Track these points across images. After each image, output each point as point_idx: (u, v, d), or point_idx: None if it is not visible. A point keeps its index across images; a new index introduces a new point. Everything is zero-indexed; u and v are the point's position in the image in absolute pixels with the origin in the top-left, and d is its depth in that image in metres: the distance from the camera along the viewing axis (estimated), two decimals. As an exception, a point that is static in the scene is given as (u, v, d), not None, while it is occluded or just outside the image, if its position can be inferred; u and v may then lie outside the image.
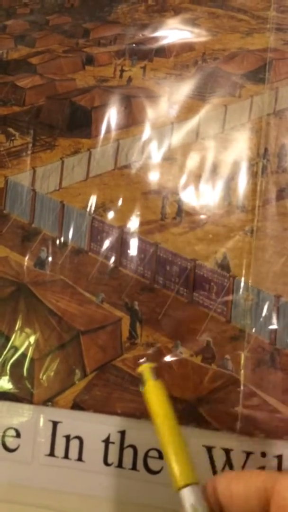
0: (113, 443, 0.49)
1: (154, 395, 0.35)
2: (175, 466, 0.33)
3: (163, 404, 0.35)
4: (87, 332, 0.52)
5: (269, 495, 0.27)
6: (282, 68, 0.54)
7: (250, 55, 0.55)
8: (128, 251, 0.53)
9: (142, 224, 0.53)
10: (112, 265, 0.53)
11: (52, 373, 0.51)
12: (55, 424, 0.51)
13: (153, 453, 0.49)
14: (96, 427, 0.50)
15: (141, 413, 0.49)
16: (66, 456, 0.50)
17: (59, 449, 0.50)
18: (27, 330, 0.52)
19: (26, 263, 0.54)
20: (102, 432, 0.50)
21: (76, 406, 0.50)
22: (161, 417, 0.34)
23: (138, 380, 0.49)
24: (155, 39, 0.58)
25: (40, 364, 0.51)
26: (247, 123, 0.53)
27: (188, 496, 0.31)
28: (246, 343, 0.48)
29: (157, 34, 0.58)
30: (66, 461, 0.50)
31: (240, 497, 0.28)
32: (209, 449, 0.48)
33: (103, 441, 0.50)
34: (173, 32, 0.58)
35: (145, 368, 0.36)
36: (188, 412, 0.48)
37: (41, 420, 0.51)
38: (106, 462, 0.49)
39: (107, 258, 0.53)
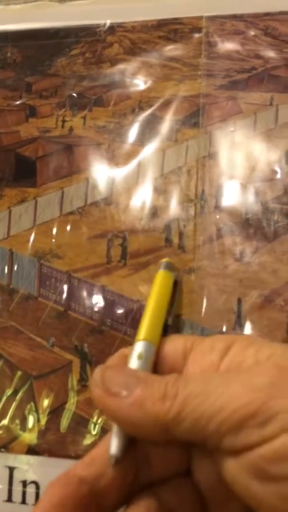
0: (68, 486, 0.46)
1: (158, 280, 0.33)
2: (143, 324, 0.31)
3: (161, 288, 0.33)
4: (39, 376, 0.48)
5: (188, 352, 0.29)
6: (214, 112, 0.52)
7: (184, 101, 0.53)
8: (76, 295, 0.50)
9: (88, 268, 0.50)
10: (61, 309, 0.50)
11: (6, 419, 0.48)
12: (11, 469, 0.47)
13: (108, 495, 0.45)
14: (51, 471, 0.46)
15: (95, 455, 0.46)
16: (23, 501, 0.47)
17: (17, 495, 0.47)
18: (-19, 377, 0.49)
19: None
20: (57, 476, 0.46)
21: (31, 451, 0.47)
22: (153, 296, 0.32)
23: (87, 422, 0.46)
24: (94, 89, 0.56)
25: (-5, 411, 0.48)
26: (184, 166, 0.51)
27: (139, 346, 0.30)
28: (192, 381, 0.45)
29: (95, 84, 0.56)
30: (24, 506, 0.47)
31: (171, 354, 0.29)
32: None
33: (59, 484, 0.46)
34: (110, 82, 0.56)
35: (163, 261, 0.35)
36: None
37: (-2, 466, 0.47)
38: (62, 506, 0.46)
39: (56, 302, 0.50)
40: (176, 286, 0.36)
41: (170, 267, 0.36)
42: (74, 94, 0.56)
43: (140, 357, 0.29)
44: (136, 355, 0.29)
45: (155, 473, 0.27)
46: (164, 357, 0.29)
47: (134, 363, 0.29)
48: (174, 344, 0.29)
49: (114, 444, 0.26)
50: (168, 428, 0.25)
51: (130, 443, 0.27)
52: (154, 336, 0.30)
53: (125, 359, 0.30)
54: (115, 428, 0.27)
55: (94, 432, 0.46)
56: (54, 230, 0.52)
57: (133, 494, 0.27)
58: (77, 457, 0.46)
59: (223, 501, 0.27)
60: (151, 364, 0.29)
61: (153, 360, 0.29)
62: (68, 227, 0.52)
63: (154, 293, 0.33)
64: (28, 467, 0.47)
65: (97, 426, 0.46)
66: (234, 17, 0.55)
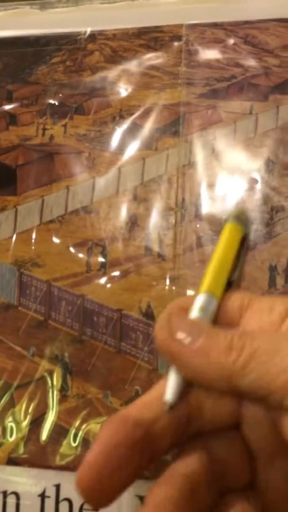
0: (48, 497, 0.45)
1: (224, 234, 0.32)
2: (207, 276, 0.30)
3: (228, 241, 0.32)
4: (20, 386, 0.48)
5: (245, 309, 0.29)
6: (194, 120, 0.51)
7: (164, 110, 0.52)
8: (57, 304, 0.49)
9: (68, 277, 0.49)
10: (41, 319, 0.49)
11: (-14, 430, 0.47)
12: (-9, 480, 0.46)
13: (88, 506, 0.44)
14: (32, 482, 0.46)
15: (75, 465, 0.45)
16: (4, 512, 0.46)
17: (-3, 506, 0.46)
18: None
19: None
20: (38, 486, 0.46)
21: (11, 461, 0.46)
22: (219, 249, 0.31)
23: (68, 432, 0.45)
24: (74, 97, 0.55)
25: (-25, 421, 0.47)
26: (164, 175, 0.50)
27: (202, 299, 0.29)
28: (172, 391, 0.45)
29: (76, 92, 0.55)
30: (4, 517, 0.46)
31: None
32: (142, 499, 0.44)
33: (39, 495, 0.45)
34: (91, 90, 0.55)
35: (233, 213, 0.33)
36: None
37: (-22, 477, 0.46)
38: (43, 517, 0.45)
39: (37, 311, 0.49)
40: (245, 241, 0.34)
41: (240, 219, 0.34)
42: (55, 102, 0.55)
43: (202, 310, 0.28)
44: (198, 307, 0.29)
45: (206, 423, 0.28)
46: (221, 312, 0.29)
47: (196, 315, 0.29)
48: (231, 300, 0.29)
49: (169, 390, 0.27)
50: (232, 378, 0.25)
51: (185, 390, 0.27)
52: (217, 290, 0.30)
53: (184, 310, 0.29)
54: (171, 375, 0.27)
55: (75, 443, 0.45)
56: (34, 239, 0.51)
57: (183, 441, 0.27)
58: (58, 467, 0.45)
59: (270, 458, 0.27)
60: (212, 318, 0.29)
61: (214, 314, 0.29)
62: (48, 236, 0.51)
63: (219, 247, 0.32)
64: (9, 477, 0.46)
65: (78, 437, 0.45)
66: (214, 25, 0.54)
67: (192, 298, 0.30)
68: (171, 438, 0.27)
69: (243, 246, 0.33)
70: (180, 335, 0.27)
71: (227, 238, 0.32)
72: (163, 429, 0.26)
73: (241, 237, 0.33)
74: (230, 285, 0.31)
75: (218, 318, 0.29)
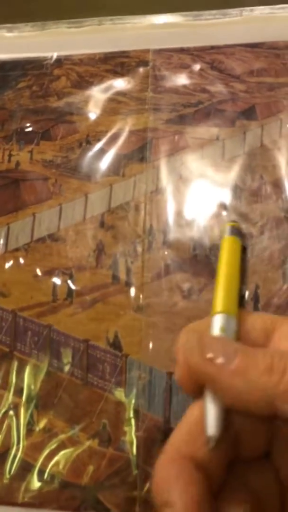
0: (14, 535, 0.43)
1: (226, 248, 0.32)
2: (218, 296, 0.29)
3: (230, 255, 0.32)
4: (-16, 421, 0.46)
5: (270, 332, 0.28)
6: (161, 146, 0.50)
7: (131, 135, 0.51)
8: (22, 335, 0.47)
9: (34, 306, 0.48)
10: (6, 350, 0.47)
11: None
12: None
13: None
14: (-4, 520, 0.44)
15: (40, 502, 0.43)
16: None
17: None
18: None
19: None
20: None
21: (-25, 499, 0.44)
22: (223, 264, 0.31)
23: (34, 468, 0.44)
24: (41, 123, 0.54)
25: None
26: (131, 201, 0.49)
27: (220, 319, 0.27)
28: (140, 423, 0.43)
29: (42, 118, 0.54)
30: None
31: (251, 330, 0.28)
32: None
33: (4, 534, 0.43)
34: (58, 116, 0.54)
35: (228, 225, 0.34)
36: (87, 499, 0.42)
37: None
38: None
39: (2, 343, 0.47)
40: (245, 252, 0.33)
41: (237, 232, 0.33)
42: (21, 128, 0.54)
43: (223, 330, 0.27)
44: (218, 328, 0.27)
45: (242, 454, 0.26)
46: (243, 333, 0.28)
47: (219, 336, 0.27)
48: (252, 321, 0.28)
49: (211, 423, 0.25)
50: (275, 401, 0.23)
51: (225, 420, 0.25)
52: (233, 308, 0.28)
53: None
54: (208, 404, 0.25)
55: (41, 479, 0.44)
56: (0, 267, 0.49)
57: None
58: (23, 504, 0.43)
59: None
60: (236, 339, 0.27)
61: (237, 335, 0.27)
62: (14, 264, 0.49)
63: (223, 263, 0.31)
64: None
65: (45, 473, 0.44)
66: (181, 50, 0.54)
67: (206, 321, 0.28)
68: (222, 472, 0.25)
69: (244, 257, 0.32)
70: (214, 355, 0.25)
71: (228, 253, 0.31)
72: (216, 465, 0.25)
73: (240, 249, 0.32)
74: (242, 300, 0.30)
75: (241, 339, 0.27)
